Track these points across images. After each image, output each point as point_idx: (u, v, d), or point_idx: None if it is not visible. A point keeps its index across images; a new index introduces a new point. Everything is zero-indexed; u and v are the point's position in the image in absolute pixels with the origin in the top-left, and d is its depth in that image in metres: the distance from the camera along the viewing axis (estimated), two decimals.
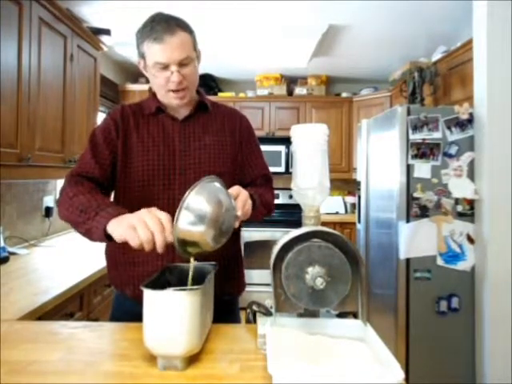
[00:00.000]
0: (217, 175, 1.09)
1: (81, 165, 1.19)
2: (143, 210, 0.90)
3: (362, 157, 2.98)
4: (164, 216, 0.89)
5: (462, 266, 2.22)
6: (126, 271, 1.21)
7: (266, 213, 1.25)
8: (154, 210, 0.90)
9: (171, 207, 1.05)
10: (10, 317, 1.23)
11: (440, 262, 2.22)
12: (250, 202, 1.07)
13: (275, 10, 2.67)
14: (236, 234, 1.28)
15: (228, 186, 1.15)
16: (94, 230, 0.98)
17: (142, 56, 1.18)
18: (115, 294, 1.30)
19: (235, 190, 1.03)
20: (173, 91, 1.16)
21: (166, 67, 1.12)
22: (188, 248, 0.91)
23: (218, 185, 0.96)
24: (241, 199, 1.02)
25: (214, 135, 1.26)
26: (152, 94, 1.26)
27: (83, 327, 1.05)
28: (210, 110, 1.29)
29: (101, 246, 1.26)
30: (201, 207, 0.88)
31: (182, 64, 1.13)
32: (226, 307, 1.22)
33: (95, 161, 1.18)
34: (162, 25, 1.11)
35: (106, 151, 1.20)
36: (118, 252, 1.23)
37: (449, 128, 2.23)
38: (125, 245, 0.90)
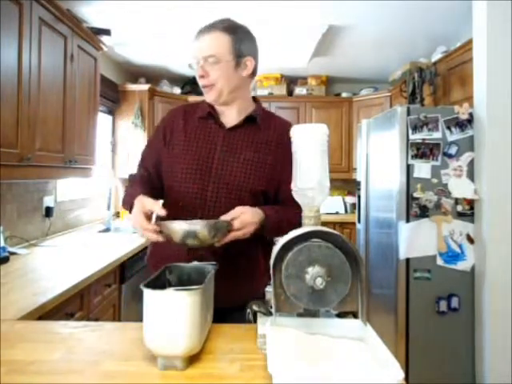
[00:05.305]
0: (247, 192, 1.20)
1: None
2: (131, 216, 1.11)
3: (362, 157, 2.98)
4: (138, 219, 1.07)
5: (461, 265, 2.22)
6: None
7: (288, 230, 1.20)
8: (134, 216, 1.08)
9: (202, 210, 1.19)
10: (10, 316, 1.23)
11: (440, 261, 2.22)
12: (248, 220, 1.10)
13: (275, 10, 2.67)
14: (250, 245, 1.22)
15: (259, 203, 1.20)
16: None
17: None
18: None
19: (236, 212, 1.10)
20: (203, 87, 1.22)
21: (198, 62, 1.19)
22: (188, 240, 1.01)
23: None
24: (239, 221, 1.08)
25: (256, 151, 1.25)
26: None
27: (83, 327, 1.05)
28: (259, 123, 1.28)
29: (100, 247, 1.28)
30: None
31: (207, 61, 1.18)
32: (235, 318, 1.10)
33: (145, 157, 1.36)
34: (206, 25, 1.21)
35: (155, 149, 1.33)
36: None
37: (448, 128, 2.24)
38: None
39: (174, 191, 1.27)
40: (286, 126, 1.31)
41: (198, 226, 1.00)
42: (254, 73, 1.28)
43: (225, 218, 1.09)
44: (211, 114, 1.27)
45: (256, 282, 1.23)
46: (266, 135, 1.27)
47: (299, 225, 0.96)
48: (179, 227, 1.00)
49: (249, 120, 1.27)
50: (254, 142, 1.26)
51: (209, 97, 1.24)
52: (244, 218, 1.09)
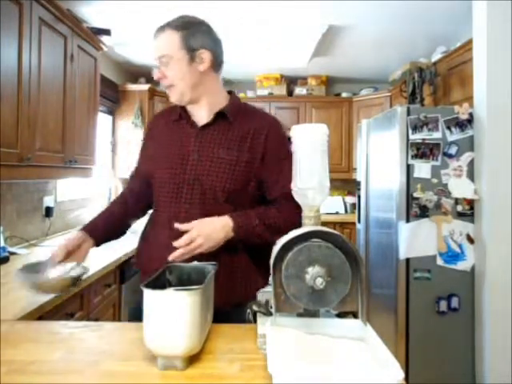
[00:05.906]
0: (221, 192, 1.16)
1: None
2: None
3: (362, 157, 2.98)
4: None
5: (461, 265, 2.22)
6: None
7: (270, 237, 1.07)
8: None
9: (178, 212, 1.16)
10: (10, 316, 1.24)
11: (440, 261, 2.22)
12: (193, 236, 1.07)
13: (275, 10, 2.67)
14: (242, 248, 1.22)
15: (239, 203, 1.18)
16: None
17: None
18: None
19: (189, 226, 1.09)
20: (165, 88, 1.22)
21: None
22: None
23: None
24: (188, 236, 1.07)
25: (230, 149, 1.19)
26: None
27: (83, 327, 1.05)
28: (231, 120, 1.22)
29: (100, 247, 1.30)
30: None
31: (161, 61, 1.17)
32: (231, 319, 1.07)
33: (136, 165, 1.38)
34: (161, 24, 1.19)
35: (140, 156, 1.36)
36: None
37: (448, 128, 2.24)
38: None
39: (156, 195, 1.27)
40: (265, 120, 1.26)
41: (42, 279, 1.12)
42: (215, 66, 1.23)
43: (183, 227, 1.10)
44: (182, 115, 1.25)
45: (255, 283, 1.22)
46: (240, 131, 1.21)
47: (299, 224, 0.95)
48: (28, 280, 1.12)
49: (220, 116, 1.22)
50: (228, 140, 1.20)
51: (171, 98, 1.21)
52: (191, 235, 1.07)
